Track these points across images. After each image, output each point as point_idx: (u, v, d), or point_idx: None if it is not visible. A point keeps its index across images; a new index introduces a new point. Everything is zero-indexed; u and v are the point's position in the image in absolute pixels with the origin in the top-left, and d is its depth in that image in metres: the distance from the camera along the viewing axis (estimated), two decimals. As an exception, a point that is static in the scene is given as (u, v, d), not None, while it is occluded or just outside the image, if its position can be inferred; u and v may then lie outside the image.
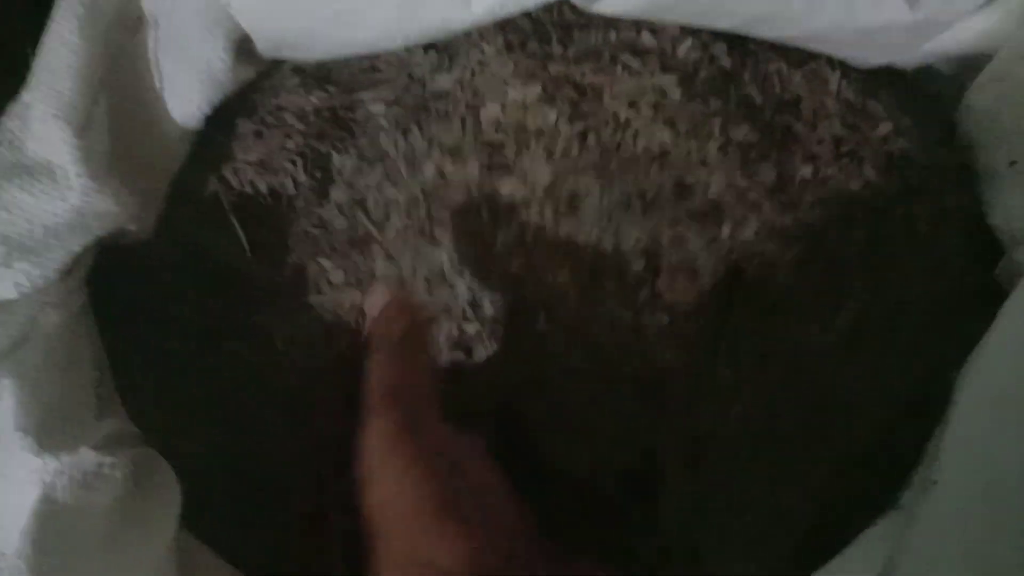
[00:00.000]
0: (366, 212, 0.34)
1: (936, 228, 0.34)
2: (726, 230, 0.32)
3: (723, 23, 0.33)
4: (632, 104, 0.32)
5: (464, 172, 0.32)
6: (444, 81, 0.34)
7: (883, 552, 0.28)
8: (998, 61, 0.34)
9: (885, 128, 0.34)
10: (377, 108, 0.34)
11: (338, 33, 0.32)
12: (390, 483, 0.26)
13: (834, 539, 0.31)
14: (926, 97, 0.37)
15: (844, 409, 0.33)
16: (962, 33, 0.33)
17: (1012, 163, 0.34)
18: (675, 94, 0.32)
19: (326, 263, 0.34)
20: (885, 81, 0.36)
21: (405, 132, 0.34)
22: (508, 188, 0.32)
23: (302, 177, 0.34)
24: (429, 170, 0.33)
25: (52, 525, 0.26)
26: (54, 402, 0.27)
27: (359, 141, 0.34)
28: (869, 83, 0.35)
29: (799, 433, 0.32)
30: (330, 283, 0.34)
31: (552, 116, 0.32)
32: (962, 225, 0.34)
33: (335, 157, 0.34)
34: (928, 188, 0.34)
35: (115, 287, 0.33)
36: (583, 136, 0.32)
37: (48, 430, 0.27)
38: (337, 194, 0.34)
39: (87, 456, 0.27)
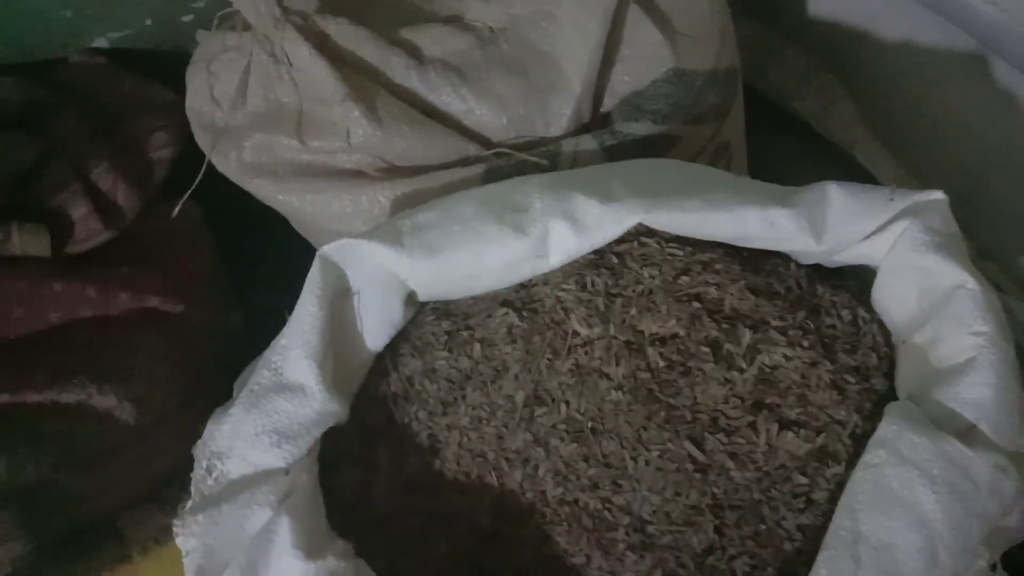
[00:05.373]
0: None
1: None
2: None
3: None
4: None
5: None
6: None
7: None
8: (882, 273, 0.52)
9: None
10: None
11: (464, 287, 0.52)
12: None
13: None
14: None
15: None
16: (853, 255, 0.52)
17: (903, 341, 0.52)
18: None
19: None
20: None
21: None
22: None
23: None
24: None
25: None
26: (346, 529, 0.44)
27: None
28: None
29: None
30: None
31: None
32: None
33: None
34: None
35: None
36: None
37: (309, 547, 0.44)
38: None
39: (332, 562, 0.44)
